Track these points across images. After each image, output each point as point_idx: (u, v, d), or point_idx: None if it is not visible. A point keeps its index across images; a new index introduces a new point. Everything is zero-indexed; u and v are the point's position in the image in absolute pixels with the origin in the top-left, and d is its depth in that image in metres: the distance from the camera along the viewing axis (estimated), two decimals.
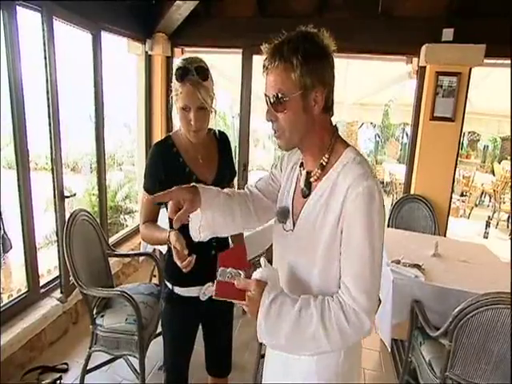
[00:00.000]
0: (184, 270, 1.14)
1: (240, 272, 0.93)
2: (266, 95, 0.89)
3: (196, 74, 1.23)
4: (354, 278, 0.85)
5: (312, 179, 0.95)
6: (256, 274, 0.90)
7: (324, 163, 0.92)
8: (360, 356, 1.06)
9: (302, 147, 0.95)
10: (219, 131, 1.50)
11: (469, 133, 10.33)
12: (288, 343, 0.86)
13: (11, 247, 3.47)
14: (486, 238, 5.67)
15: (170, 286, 1.43)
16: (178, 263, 1.15)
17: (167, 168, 1.33)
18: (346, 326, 0.82)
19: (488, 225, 5.88)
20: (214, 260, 1.37)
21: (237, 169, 1.61)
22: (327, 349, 0.85)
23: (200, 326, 1.55)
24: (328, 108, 0.91)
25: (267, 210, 1.10)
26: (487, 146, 11.55)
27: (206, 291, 1.40)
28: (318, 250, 0.90)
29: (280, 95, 0.86)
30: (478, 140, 11.46)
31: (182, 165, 1.35)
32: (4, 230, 3.41)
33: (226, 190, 1.09)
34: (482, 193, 8.19)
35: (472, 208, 7.19)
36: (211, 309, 1.46)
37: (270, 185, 1.12)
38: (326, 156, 0.92)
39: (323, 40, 0.87)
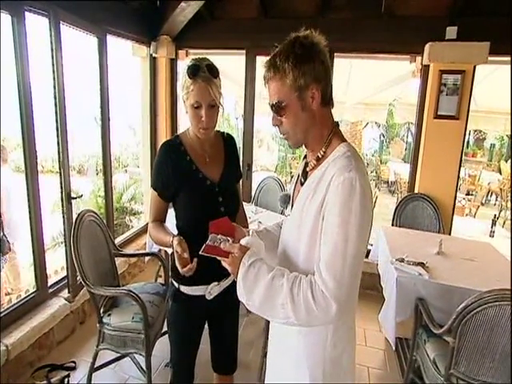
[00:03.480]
0: (184, 274, 1.19)
1: (228, 239, 1.05)
2: (269, 104, 0.99)
3: (207, 71, 1.26)
4: (326, 260, 0.89)
5: (308, 169, 1.04)
6: (242, 241, 1.03)
7: (320, 156, 1.00)
8: (353, 346, 1.09)
9: (306, 142, 1.04)
10: (227, 134, 1.53)
11: (475, 131, 10.26)
12: (261, 306, 0.94)
13: (10, 249, 3.54)
14: (492, 236, 5.64)
15: (176, 284, 1.45)
16: (179, 268, 1.19)
17: (174, 166, 1.36)
18: (312, 304, 0.87)
19: (494, 223, 5.84)
20: (219, 260, 1.39)
21: (241, 169, 1.64)
22: (295, 321, 0.90)
23: (206, 324, 1.57)
24: (326, 101, 0.98)
25: None
26: (494, 145, 11.46)
27: (212, 290, 1.42)
28: (304, 232, 0.98)
29: (279, 101, 0.96)
30: (485, 138, 11.38)
31: (189, 163, 1.37)
32: (3, 232, 3.48)
33: (262, 228, 1.24)
34: (489, 191, 8.13)
35: (478, 207, 7.14)
36: (217, 307, 1.48)
37: None
38: (323, 149, 1.00)
39: (312, 40, 0.94)
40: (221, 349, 1.62)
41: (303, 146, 1.07)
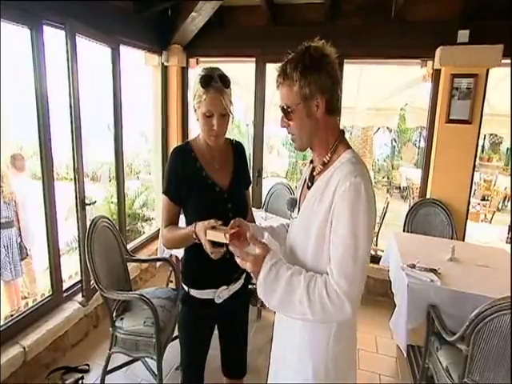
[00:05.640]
0: (213, 257, 1.19)
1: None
2: (279, 106, 1.06)
3: (220, 81, 1.29)
4: (337, 262, 0.95)
5: (315, 173, 1.09)
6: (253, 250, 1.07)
7: (326, 161, 1.06)
8: (354, 342, 1.16)
9: (312, 146, 1.10)
10: (236, 141, 1.56)
11: (490, 135, 10.05)
12: (280, 302, 0.99)
13: (27, 255, 3.67)
14: (509, 243, 5.49)
15: (186, 288, 1.48)
16: (208, 250, 1.18)
17: (185, 172, 1.39)
18: (327, 302, 0.93)
19: (511, 229, 5.68)
20: (228, 265, 1.41)
21: (251, 175, 1.66)
22: (311, 317, 0.95)
23: (216, 329, 1.59)
24: (331, 110, 1.03)
25: None
26: (510, 149, 11.18)
27: (221, 294, 1.45)
28: (312, 233, 1.03)
29: (287, 107, 1.03)
30: (501, 142, 11.12)
31: (199, 169, 1.40)
32: (21, 238, 3.59)
33: (274, 224, 1.32)
34: (505, 197, 7.93)
35: (494, 212, 6.98)
36: (226, 310, 1.50)
37: None
38: (329, 155, 1.05)
39: (322, 51, 0.99)
40: (230, 352, 1.63)
41: (309, 151, 1.12)
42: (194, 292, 1.45)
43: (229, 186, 1.43)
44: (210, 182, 1.40)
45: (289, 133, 1.08)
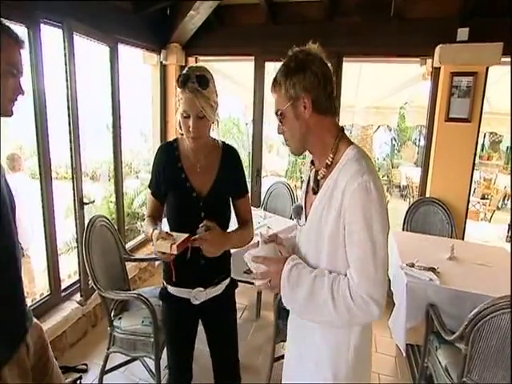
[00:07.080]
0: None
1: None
2: (274, 112, 1.06)
3: (196, 82, 1.23)
4: (357, 266, 0.93)
5: (319, 177, 1.05)
6: (259, 253, 1.05)
7: (329, 163, 1.01)
8: (371, 344, 1.13)
9: (308, 149, 1.07)
10: (227, 145, 1.44)
11: (490, 133, 10.04)
12: (305, 306, 0.98)
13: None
14: (509, 241, 5.48)
15: (165, 284, 1.48)
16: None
17: (165, 170, 1.38)
18: (352, 305, 0.91)
19: (511, 228, 5.68)
20: (203, 269, 1.38)
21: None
22: (336, 320, 0.95)
23: (205, 335, 1.56)
24: (321, 109, 0.99)
25: None
26: (510, 147, 11.17)
27: (197, 296, 1.42)
28: (324, 241, 0.99)
29: (277, 111, 1.03)
30: (501, 141, 11.10)
31: (179, 170, 1.36)
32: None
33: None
34: (505, 195, 7.93)
35: (494, 211, 6.97)
36: (207, 313, 1.49)
37: None
38: (331, 156, 1.01)
39: (307, 52, 0.98)
40: (221, 366, 1.58)
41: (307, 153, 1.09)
42: (170, 289, 1.45)
43: (208, 193, 1.36)
44: (188, 185, 1.35)
45: (285, 139, 1.07)
